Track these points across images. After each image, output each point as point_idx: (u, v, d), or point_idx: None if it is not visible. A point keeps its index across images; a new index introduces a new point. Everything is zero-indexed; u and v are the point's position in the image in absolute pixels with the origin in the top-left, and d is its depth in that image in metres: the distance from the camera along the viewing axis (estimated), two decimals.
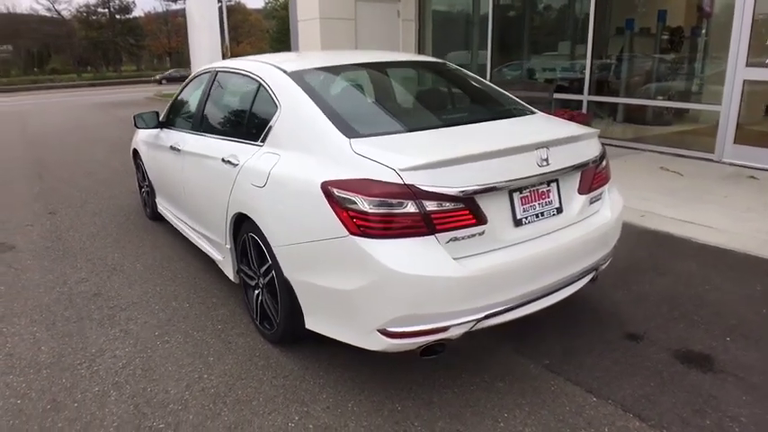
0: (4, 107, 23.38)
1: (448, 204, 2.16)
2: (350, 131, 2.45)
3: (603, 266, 2.91)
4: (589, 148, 2.78)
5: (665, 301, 3.32)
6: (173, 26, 59.46)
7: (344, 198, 2.18)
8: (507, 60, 10.00)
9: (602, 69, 8.71)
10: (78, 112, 18.52)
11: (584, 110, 8.04)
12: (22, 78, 51.47)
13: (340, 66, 3.23)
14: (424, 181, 2.14)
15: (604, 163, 2.89)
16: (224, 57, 21.47)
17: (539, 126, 2.97)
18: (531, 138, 2.51)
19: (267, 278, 2.78)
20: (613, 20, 8.93)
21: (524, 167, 2.38)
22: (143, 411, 2.45)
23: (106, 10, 61.91)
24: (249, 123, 3.12)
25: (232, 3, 59.50)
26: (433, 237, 2.15)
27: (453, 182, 2.17)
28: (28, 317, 3.38)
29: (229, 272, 3.31)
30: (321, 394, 2.52)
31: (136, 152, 5.27)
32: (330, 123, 2.50)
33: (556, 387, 2.53)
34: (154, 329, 3.18)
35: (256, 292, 2.97)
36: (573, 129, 2.85)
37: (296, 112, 2.69)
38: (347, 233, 2.17)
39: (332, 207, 2.22)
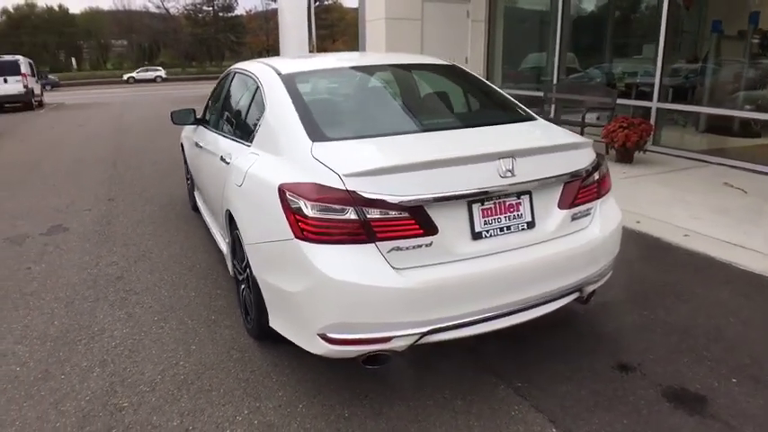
0: (114, 97, 25.64)
1: (392, 213, 2.11)
2: (317, 135, 2.47)
3: (594, 286, 2.71)
4: (576, 160, 2.59)
5: (677, 332, 3.04)
6: (273, 24, 62.30)
7: (292, 201, 2.20)
8: (578, 63, 9.54)
9: (677, 74, 8.07)
10: (172, 103, 19.89)
11: (652, 119, 7.48)
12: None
13: (338, 69, 3.25)
14: (366, 188, 2.11)
15: (597, 176, 2.68)
16: (310, 51, 22.24)
17: (515, 134, 2.81)
18: (494, 146, 2.37)
19: (244, 274, 2.87)
20: (693, 21, 8.24)
21: (484, 178, 2.27)
22: (115, 389, 2.62)
23: (210, 8, 66.07)
24: (245, 123, 3.22)
25: (330, 2, 61.34)
26: (373, 245, 2.12)
27: (399, 190, 2.12)
28: (54, 293, 3.71)
29: (229, 265, 3.44)
30: (278, 392, 2.57)
31: (182, 146, 5.61)
32: (300, 126, 2.53)
33: (517, 413, 2.41)
34: (155, 314, 3.37)
35: (242, 286, 3.07)
36: (555, 138, 2.68)
37: (275, 113, 2.75)
38: (293, 236, 2.19)
39: (284, 209, 2.25)
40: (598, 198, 2.68)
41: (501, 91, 3.23)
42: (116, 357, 2.90)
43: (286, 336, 2.48)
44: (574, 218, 2.55)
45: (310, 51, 24.22)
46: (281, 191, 2.28)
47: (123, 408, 2.48)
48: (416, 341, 2.21)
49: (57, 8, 62.40)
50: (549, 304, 2.51)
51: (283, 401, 2.50)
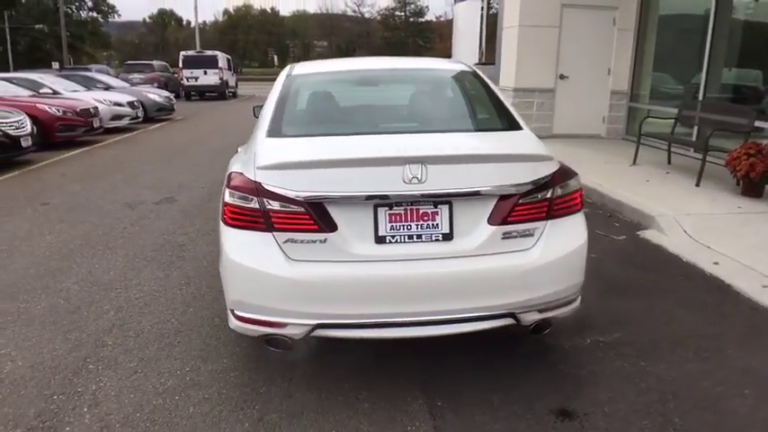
0: None
1: (291, 206, 2.25)
2: (274, 131, 2.68)
3: (541, 316, 2.48)
4: (518, 174, 2.38)
5: (658, 391, 2.64)
6: None
7: (226, 187, 2.47)
8: (727, 79, 8.25)
9: None
10: None
11: None
12: None
13: (344, 72, 3.43)
14: (270, 180, 2.28)
15: (548, 194, 2.44)
16: (479, 59, 22.37)
17: (461, 142, 2.67)
18: (403, 151, 2.31)
19: None
20: None
21: (389, 182, 2.25)
22: (112, 330, 3.17)
23: (402, 13, 69.40)
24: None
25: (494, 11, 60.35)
26: (270, 234, 2.28)
27: (299, 185, 2.24)
28: (126, 250, 4.50)
29: None
30: (224, 359, 2.86)
31: None
32: (267, 122, 2.75)
33: (413, 429, 2.37)
34: (184, 279, 3.92)
35: None
36: (503, 149, 2.53)
37: (263, 111, 3.01)
38: (221, 219, 2.47)
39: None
40: (547, 219, 2.44)
41: (502, 100, 3.06)
42: (131, 307, 3.48)
43: None
44: (506, 236, 2.38)
45: (479, 57, 24.36)
46: (228, 177, 2.56)
47: (106, 345, 3.01)
48: (309, 332, 2.33)
49: (269, 10, 71.29)
50: (471, 323, 2.40)
51: (222, 367, 2.80)
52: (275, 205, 2.27)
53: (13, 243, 4.70)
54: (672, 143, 7.35)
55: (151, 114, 14.31)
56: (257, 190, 2.29)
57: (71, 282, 3.87)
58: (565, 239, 2.49)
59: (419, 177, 2.26)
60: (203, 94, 22.18)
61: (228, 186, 2.40)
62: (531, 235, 2.43)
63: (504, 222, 2.36)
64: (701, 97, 7.95)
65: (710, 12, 7.82)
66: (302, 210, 2.25)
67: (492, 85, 3.22)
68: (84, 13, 49.79)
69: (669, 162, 7.37)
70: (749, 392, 2.64)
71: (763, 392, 2.64)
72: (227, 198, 2.38)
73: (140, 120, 13.38)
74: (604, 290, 3.75)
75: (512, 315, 2.43)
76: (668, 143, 7.39)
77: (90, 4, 49.88)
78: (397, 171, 2.26)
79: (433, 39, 68.02)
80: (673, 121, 7.48)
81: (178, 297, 3.62)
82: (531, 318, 2.48)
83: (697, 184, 6.15)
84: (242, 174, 2.42)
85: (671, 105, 8.34)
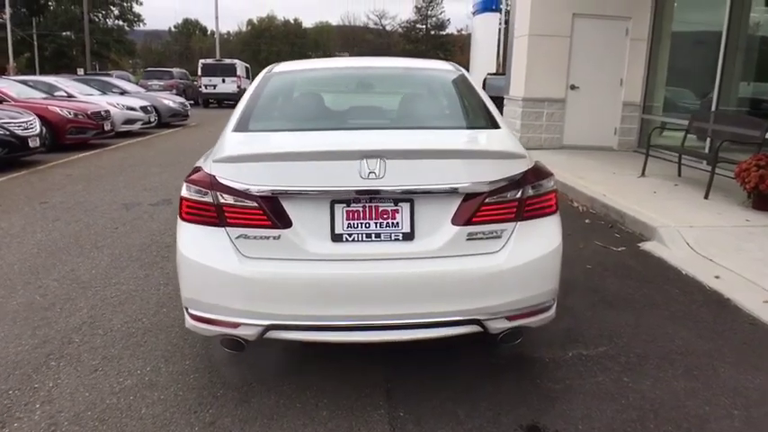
0: None
1: (244, 201, 2.17)
2: (241, 126, 2.62)
3: (510, 324, 2.34)
4: (488, 172, 2.25)
5: (647, 408, 2.47)
6: None
7: (183, 181, 2.40)
8: (741, 92, 8.00)
9: None
10: None
11: None
12: None
13: (325, 69, 3.37)
14: (225, 174, 2.20)
15: (519, 194, 2.30)
16: (496, 69, 22.33)
17: (429, 138, 2.55)
18: (360, 145, 2.22)
19: None
20: None
21: (346, 178, 2.15)
22: (81, 327, 3.11)
23: (424, 26, 69.73)
24: None
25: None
26: (223, 230, 2.20)
27: (253, 179, 2.16)
28: (112, 249, 4.49)
29: None
30: (185, 361, 2.78)
31: None
32: (237, 117, 2.69)
33: None
34: (165, 279, 3.86)
35: None
36: (472, 145, 2.42)
37: (237, 105, 2.94)
38: (178, 214, 2.40)
39: None
40: (516, 220, 2.30)
41: (483, 100, 2.93)
42: (106, 305, 3.43)
43: None
44: (471, 237, 2.25)
45: (497, 67, 24.30)
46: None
47: (73, 342, 2.96)
48: (262, 333, 2.23)
49: (292, 21, 72.20)
50: (432, 329, 2.28)
51: (183, 369, 2.72)
52: (229, 199, 2.19)
53: (3, 239, 4.70)
54: (682, 155, 7.15)
55: (165, 119, 14.47)
56: (211, 183, 2.22)
57: (51, 278, 3.84)
58: (536, 243, 2.34)
59: (376, 173, 2.15)
60: (221, 101, 22.42)
61: (185, 180, 2.33)
62: (499, 237, 2.29)
63: (469, 223, 2.24)
64: (713, 109, 7.72)
65: (724, 24, 7.60)
66: (255, 204, 2.17)
67: (475, 86, 3.11)
68: (110, 21, 51.04)
69: (679, 175, 7.15)
70: (738, 414, 2.47)
71: (753, 414, 2.46)
72: (184, 192, 2.32)
73: (154, 124, 13.53)
74: (595, 302, 3.60)
75: (477, 322, 2.30)
76: (678, 155, 7.18)
77: (116, 12, 51.14)
78: (353, 166, 2.16)
79: (454, 51, 68.16)
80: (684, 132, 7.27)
81: (154, 297, 3.56)
82: (498, 326, 2.34)
83: (706, 197, 5.94)
84: (200, 168, 2.35)
85: (684, 118, 8.10)
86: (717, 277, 3.93)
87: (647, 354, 2.96)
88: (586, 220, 5.65)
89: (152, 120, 13.34)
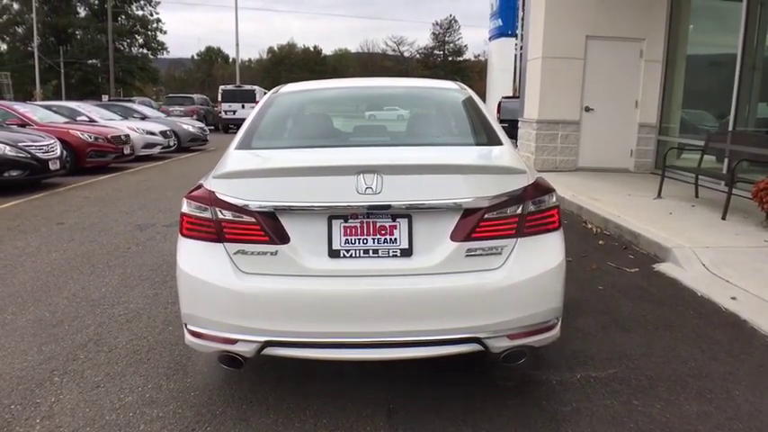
0: None
1: (242, 216, 2.18)
2: (244, 144, 2.66)
3: (512, 343, 2.28)
4: (487, 187, 2.22)
5: None
6: None
7: (184, 198, 2.42)
8: (759, 113, 7.88)
9: None
10: None
11: None
12: None
13: (331, 89, 3.41)
14: (223, 190, 2.22)
15: (520, 210, 2.26)
16: (513, 93, 22.44)
17: (428, 154, 2.54)
18: (356, 160, 2.23)
19: None
20: None
21: (343, 193, 2.15)
22: (87, 346, 3.13)
23: (441, 52, 70.59)
24: None
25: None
26: (221, 245, 2.22)
27: (250, 195, 2.18)
28: (123, 269, 4.53)
29: None
30: (186, 379, 2.77)
31: None
32: (241, 135, 2.74)
33: None
34: (173, 299, 3.87)
35: None
36: (472, 160, 2.41)
37: (242, 124, 2.99)
38: (178, 230, 2.42)
39: None
40: (517, 236, 2.27)
41: (487, 118, 2.92)
42: (113, 322, 3.45)
43: None
44: (470, 254, 2.21)
45: (513, 91, 24.42)
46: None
47: (77, 359, 2.98)
48: (259, 350, 2.21)
49: (312, 48, 73.56)
50: (432, 347, 2.24)
51: (185, 386, 2.70)
52: (227, 215, 2.21)
53: (19, 259, 4.79)
54: (699, 176, 7.04)
55: (184, 144, 14.75)
56: (211, 199, 2.24)
57: (62, 296, 3.89)
58: (537, 259, 2.30)
59: (373, 188, 2.15)
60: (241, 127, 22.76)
61: (186, 196, 2.36)
62: (499, 253, 2.25)
63: (469, 239, 2.21)
64: (730, 129, 7.61)
65: (739, 44, 7.55)
66: (253, 220, 2.18)
67: (480, 104, 3.12)
68: (135, 50, 52.59)
69: (696, 196, 7.03)
70: None
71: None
72: (184, 207, 2.34)
73: (173, 149, 13.79)
74: (606, 323, 3.51)
75: (478, 340, 2.25)
76: (695, 176, 7.07)
77: (141, 41, 52.74)
78: (350, 181, 2.16)
79: (473, 77, 68.70)
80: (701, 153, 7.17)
81: (161, 315, 3.58)
82: (499, 344, 2.29)
83: (723, 218, 5.82)
84: (201, 184, 2.38)
85: (701, 139, 8.00)
86: (733, 298, 3.82)
87: (658, 376, 2.87)
88: (600, 242, 5.56)
89: (171, 144, 13.61)
